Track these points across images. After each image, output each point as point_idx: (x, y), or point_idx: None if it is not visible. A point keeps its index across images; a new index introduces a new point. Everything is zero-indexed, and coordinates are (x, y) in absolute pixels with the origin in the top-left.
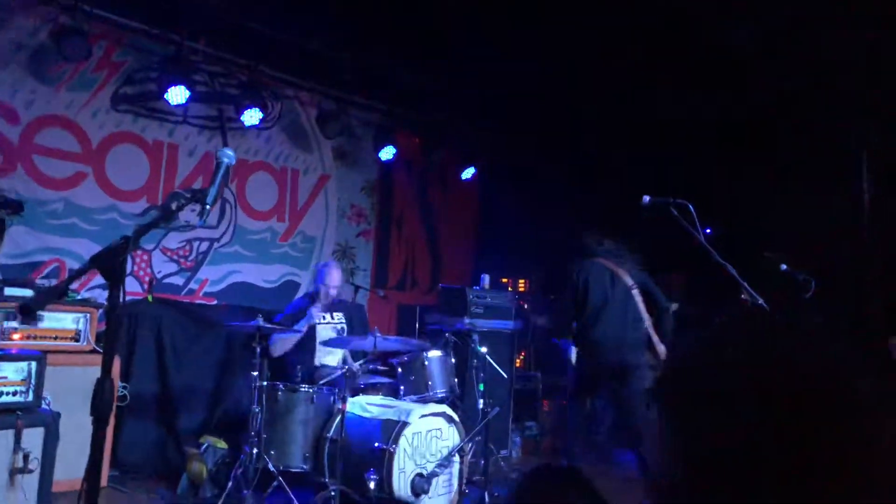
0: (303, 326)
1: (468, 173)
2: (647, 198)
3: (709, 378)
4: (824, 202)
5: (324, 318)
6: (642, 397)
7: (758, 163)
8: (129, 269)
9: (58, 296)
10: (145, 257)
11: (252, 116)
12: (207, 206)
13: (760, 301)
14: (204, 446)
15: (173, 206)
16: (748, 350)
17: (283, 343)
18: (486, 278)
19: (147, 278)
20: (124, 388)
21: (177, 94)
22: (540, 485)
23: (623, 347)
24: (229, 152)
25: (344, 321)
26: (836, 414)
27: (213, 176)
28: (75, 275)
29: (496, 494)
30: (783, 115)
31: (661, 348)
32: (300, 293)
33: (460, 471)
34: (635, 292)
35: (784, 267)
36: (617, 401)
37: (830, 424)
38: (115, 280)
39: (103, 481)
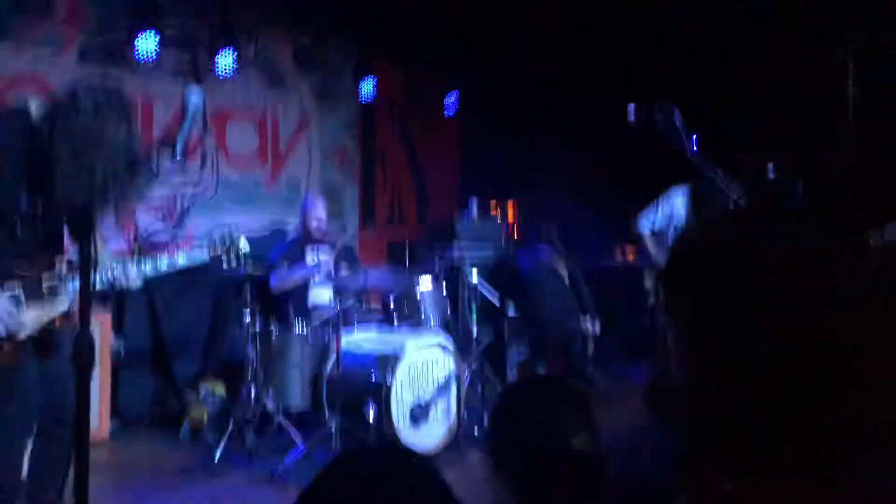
0: (305, 271)
1: (451, 99)
2: (632, 105)
3: (713, 258)
4: (810, 104)
5: (314, 259)
6: None
7: (745, 69)
8: (114, 227)
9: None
10: (129, 212)
11: (226, 60)
12: (178, 151)
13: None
14: (202, 392)
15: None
16: (748, 234)
17: (283, 282)
18: (475, 202)
19: (132, 235)
20: (119, 343)
21: (146, 42)
22: (525, 392)
23: None
24: (197, 91)
25: (332, 261)
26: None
27: (183, 119)
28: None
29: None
30: (769, 18)
31: None
32: (289, 239)
33: (458, 398)
34: None
35: (771, 170)
36: None
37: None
38: (83, 234)
39: (105, 433)
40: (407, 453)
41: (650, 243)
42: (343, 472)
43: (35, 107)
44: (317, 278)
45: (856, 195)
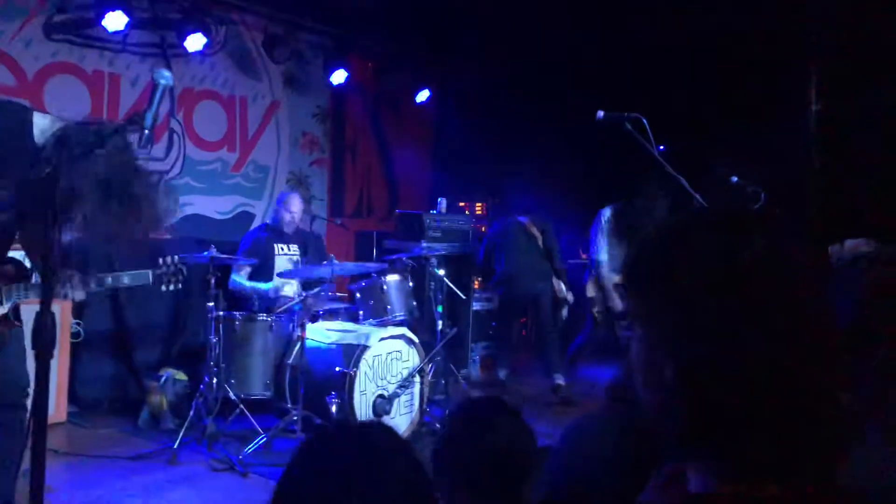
0: (262, 293)
1: (423, 96)
2: (601, 113)
3: (677, 262)
4: (772, 118)
5: (282, 249)
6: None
7: (709, 82)
8: None
9: None
10: None
11: (195, 42)
12: (146, 131)
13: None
14: (163, 378)
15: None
16: (714, 237)
17: (241, 291)
18: (443, 202)
19: None
20: (78, 324)
21: (114, 20)
22: (468, 416)
23: None
24: (166, 73)
25: (298, 253)
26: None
27: (150, 98)
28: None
29: None
30: (731, 32)
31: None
32: (255, 224)
33: (421, 391)
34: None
35: (735, 179)
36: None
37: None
38: (46, 212)
39: (62, 416)
40: (383, 429)
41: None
42: (321, 449)
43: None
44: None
45: (818, 205)
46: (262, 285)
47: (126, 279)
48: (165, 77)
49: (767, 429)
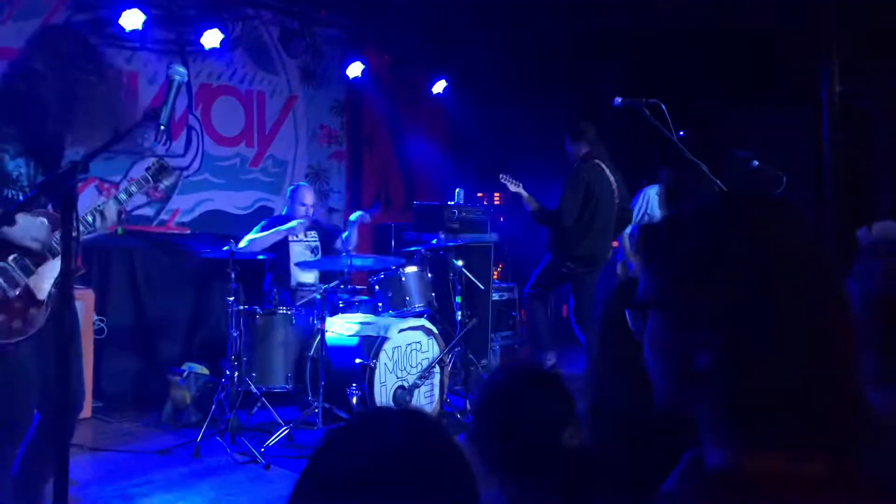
0: (284, 231)
1: (439, 87)
2: (618, 99)
3: (704, 239)
4: (788, 111)
5: (298, 236)
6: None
7: (726, 72)
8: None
9: (4, 223)
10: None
11: (212, 38)
12: (162, 127)
13: None
14: (185, 373)
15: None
16: (741, 218)
17: (259, 241)
18: (461, 192)
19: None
20: (101, 321)
21: (132, 19)
22: (512, 385)
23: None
24: (180, 69)
25: (318, 240)
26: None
27: (166, 95)
28: (23, 204)
29: None
30: (751, 24)
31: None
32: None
33: (441, 381)
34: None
35: (755, 163)
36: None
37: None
38: (66, 207)
39: (87, 412)
40: (421, 415)
41: (627, 242)
42: (356, 434)
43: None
44: (298, 237)
45: (836, 192)
46: (282, 227)
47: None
48: (180, 73)
49: (801, 407)
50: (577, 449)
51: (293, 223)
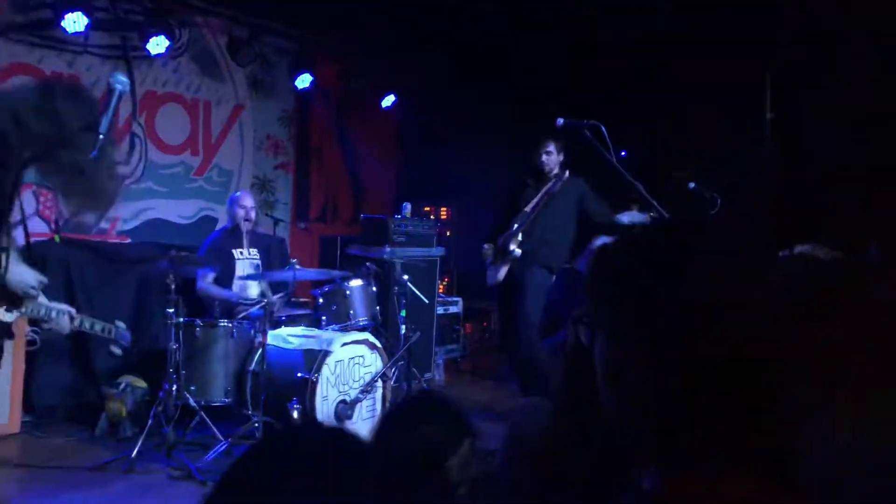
0: (230, 296)
1: (388, 101)
2: (560, 120)
3: (637, 270)
4: (728, 127)
5: (241, 253)
6: None
7: (667, 88)
8: (34, 209)
9: None
10: (51, 196)
11: (158, 45)
12: (101, 136)
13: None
14: (122, 385)
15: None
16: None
17: (207, 293)
18: (408, 206)
19: (53, 218)
20: (35, 331)
21: (74, 22)
22: (404, 411)
23: None
24: (122, 78)
25: (259, 257)
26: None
27: (106, 103)
28: None
29: None
30: (690, 40)
31: None
32: (218, 228)
33: (384, 395)
34: None
35: (692, 185)
36: None
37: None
38: None
39: (16, 427)
40: (337, 431)
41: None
42: (271, 451)
43: None
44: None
45: (774, 210)
46: (229, 293)
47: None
48: (122, 82)
49: (723, 426)
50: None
51: (232, 294)
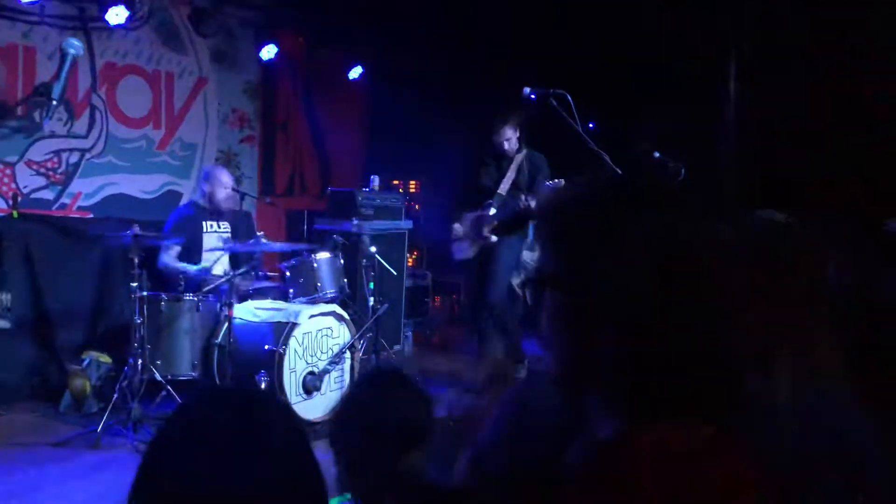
0: (194, 273)
1: (355, 73)
2: (527, 89)
3: (595, 214)
4: (692, 101)
5: (211, 226)
6: None
7: (632, 66)
8: None
9: None
10: (8, 171)
11: (117, 15)
12: (54, 102)
13: None
14: (86, 361)
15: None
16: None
17: (171, 270)
18: (376, 179)
19: (11, 194)
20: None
21: None
22: (368, 388)
23: None
24: (75, 42)
25: (229, 230)
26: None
27: (59, 69)
28: None
29: None
30: (660, 21)
31: None
32: (183, 203)
33: (352, 367)
34: None
35: (657, 154)
36: None
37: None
38: None
39: None
40: (257, 393)
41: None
42: (193, 413)
43: None
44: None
45: (734, 181)
46: (191, 267)
47: None
48: (75, 46)
49: (689, 382)
50: (418, 474)
51: (197, 267)
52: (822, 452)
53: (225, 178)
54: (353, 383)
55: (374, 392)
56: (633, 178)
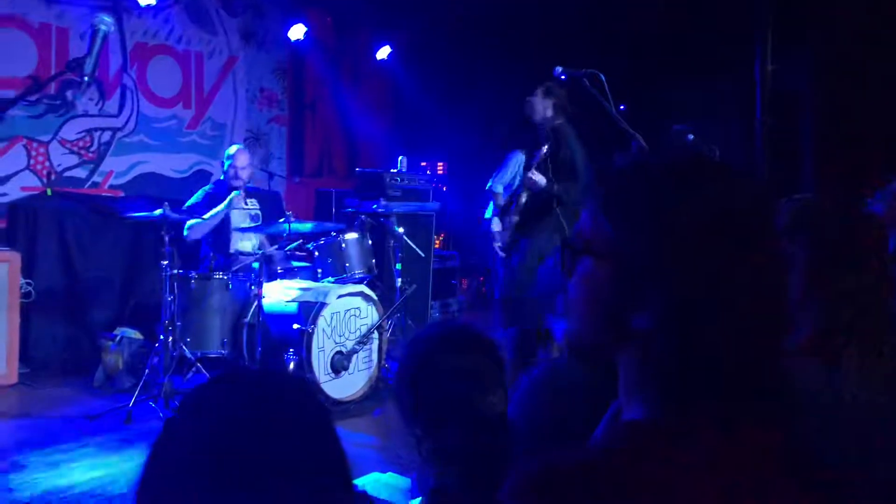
0: (223, 210)
1: (383, 53)
2: (559, 69)
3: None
4: (724, 82)
5: (238, 203)
6: None
7: (664, 48)
8: (25, 163)
9: None
10: (42, 150)
11: None
12: (86, 79)
13: None
14: (118, 337)
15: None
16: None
17: (200, 227)
18: (404, 160)
19: (45, 172)
20: (29, 284)
21: None
22: (439, 342)
23: None
24: (106, 18)
25: (259, 207)
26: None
27: (90, 45)
28: None
29: None
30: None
31: None
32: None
33: (379, 347)
34: None
35: (691, 137)
36: None
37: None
38: None
39: (13, 378)
40: (283, 374)
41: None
42: (214, 393)
43: None
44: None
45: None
46: (219, 206)
47: None
48: (106, 23)
49: (733, 370)
50: (499, 416)
51: (230, 198)
52: (884, 448)
53: (241, 160)
54: (421, 333)
55: (446, 342)
56: (697, 155)
